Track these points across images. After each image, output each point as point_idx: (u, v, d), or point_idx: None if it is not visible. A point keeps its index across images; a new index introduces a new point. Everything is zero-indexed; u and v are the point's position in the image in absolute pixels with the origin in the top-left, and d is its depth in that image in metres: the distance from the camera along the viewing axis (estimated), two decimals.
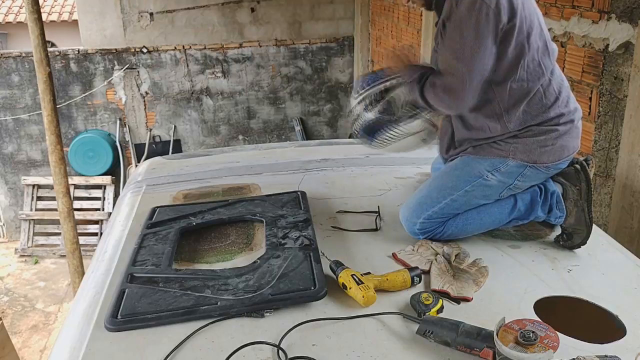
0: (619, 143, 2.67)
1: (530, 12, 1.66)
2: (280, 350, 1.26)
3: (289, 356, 1.24)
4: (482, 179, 1.74)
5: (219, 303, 1.41)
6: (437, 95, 1.70)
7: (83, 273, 5.05)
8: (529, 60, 1.65)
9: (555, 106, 1.69)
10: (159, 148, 7.89)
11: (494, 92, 1.69)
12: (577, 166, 1.75)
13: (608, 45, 2.72)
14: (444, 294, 1.48)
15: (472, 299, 1.48)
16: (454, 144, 1.87)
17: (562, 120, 1.70)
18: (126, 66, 7.59)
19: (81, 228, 6.85)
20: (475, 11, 1.56)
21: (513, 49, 1.63)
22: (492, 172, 1.73)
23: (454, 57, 1.63)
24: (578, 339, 1.30)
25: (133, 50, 7.53)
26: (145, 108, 7.82)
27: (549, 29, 3.15)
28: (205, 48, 7.68)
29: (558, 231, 1.82)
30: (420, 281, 1.53)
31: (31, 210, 7.68)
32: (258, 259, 1.61)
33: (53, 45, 9.35)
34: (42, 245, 7.62)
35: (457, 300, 1.47)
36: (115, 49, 7.50)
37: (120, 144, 7.77)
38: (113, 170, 7.80)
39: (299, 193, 2.06)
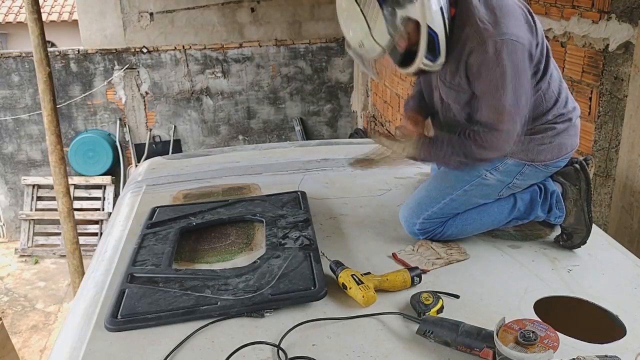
0: (619, 143, 2.67)
1: (537, 22, 1.66)
2: (280, 350, 1.26)
3: (289, 356, 1.24)
4: (480, 178, 1.74)
5: (219, 303, 1.41)
6: (487, 149, 1.64)
7: (83, 273, 5.05)
8: (533, 67, 1.64)
9: (554, 108, 1.69)
10: (159, 148, 7.89)
11: None
12: (577, 166, 1.75)
13: (608, 45, 2.72)
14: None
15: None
16: None
17: (560, 119, 1.70)
18: (126, 66, 7.58)
19: (81, 228, 6.85)
20: (508, 54, 1.52)
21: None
22: (490, 171, 1.73)
23: (499, 107, 1.58)
24: (578, 339, 1.30)
25: (133, 50, 7.53)
26: (145, 108, 7.82)
27: (549, 29, 3.16)
28: (205, 48, 7.68)
29: (558, 231, 1.81)
30: (420, 281, 1.53)
31: (31, 210, 7.68)
32: (258, 259, 1.61)
33: (53, 45, 9.35)
34: (42, 245, 7.62)
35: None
36: (115, 49, 7.50)
37: (120, 144, 7.77)
38: (113, 170, 7.80)
39: (299, 193, 2.06)
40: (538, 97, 1.67)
